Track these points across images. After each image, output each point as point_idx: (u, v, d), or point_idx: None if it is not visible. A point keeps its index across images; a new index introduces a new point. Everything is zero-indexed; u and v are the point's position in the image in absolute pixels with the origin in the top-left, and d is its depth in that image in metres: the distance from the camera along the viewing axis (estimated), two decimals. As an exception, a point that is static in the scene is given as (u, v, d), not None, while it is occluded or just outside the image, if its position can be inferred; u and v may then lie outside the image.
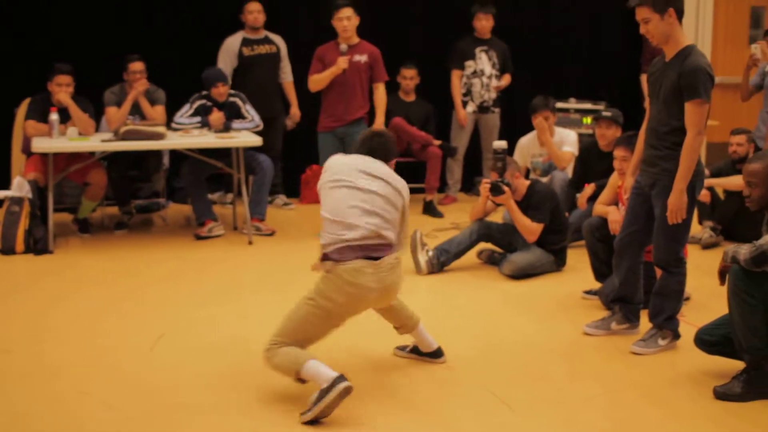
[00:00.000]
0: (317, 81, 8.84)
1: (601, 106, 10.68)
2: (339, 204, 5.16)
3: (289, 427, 4.73)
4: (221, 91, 9.30)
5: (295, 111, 10.55)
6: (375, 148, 5.33)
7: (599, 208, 7.08)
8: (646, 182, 5.83)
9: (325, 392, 4.69)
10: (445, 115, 10.91)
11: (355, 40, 8.86)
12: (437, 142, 10.49)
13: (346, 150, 8.85)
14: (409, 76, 10.67)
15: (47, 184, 8.49)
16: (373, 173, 5.21)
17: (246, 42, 10.16)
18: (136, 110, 9.32)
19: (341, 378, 4.74)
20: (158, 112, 9.43)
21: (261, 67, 10.22)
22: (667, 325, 5.91)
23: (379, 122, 9.01)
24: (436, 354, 5.70)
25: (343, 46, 8.71)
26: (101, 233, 9.23)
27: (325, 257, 5.19)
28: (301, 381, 4.90)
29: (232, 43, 10.20)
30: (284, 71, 10.42)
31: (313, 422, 4.71)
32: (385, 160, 5.33)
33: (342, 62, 8.65)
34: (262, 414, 4.85)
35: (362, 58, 8.82)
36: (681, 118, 5.58)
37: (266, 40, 10.27)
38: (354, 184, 5.15)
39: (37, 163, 8.71)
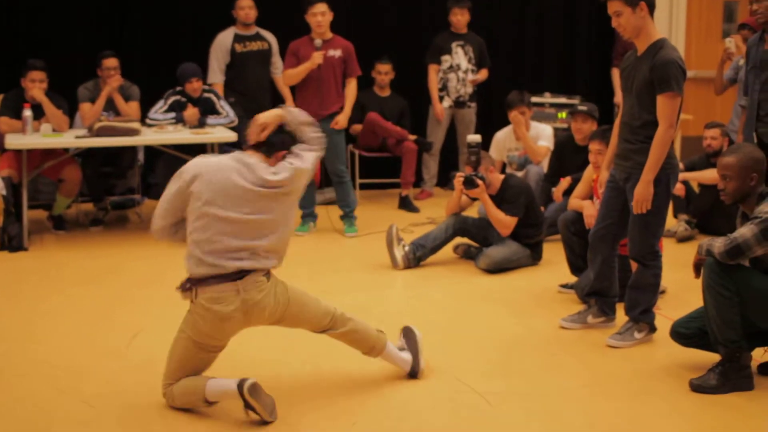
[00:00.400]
0: (292, 76, 8.81)
1: (575, 101, 10.71)
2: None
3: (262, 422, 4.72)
4: (195, 87, 9.29)
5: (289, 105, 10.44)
6: None
7: (574, 202, 7.10)
8: (620, 176, 5.85)
9: (245, 404, 4.62)
10: (420, 110, 10.90)
11: (329, 35, 8.84)
12: (412, 137, 10.49)
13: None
14: (384, 71, 10.67)
15: (21, 180, 8.46)
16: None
17: (238, 38, 10.09)
18: (111, 106, 9.28)
19: (242, 381, 4.59)
20: (132, 108, 9.39)
21: (253, 63, 10.17)
22: (643, 318, 5.93)
23: (346, 113, 8.95)
24: (410, 374, 5.34)
25: (318, 41, 8.69)
26: (76, 230, 9.19)
27: (187, 283, 4.80)
28: (211, 404, 4.78)
29: (224, 40, 10.12)
30: (275, 66, 10.33)
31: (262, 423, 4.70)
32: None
33: (317, 57, 8.63)
34: (240, 414, 4.84)
35: (336, 53, 8.81)
36: (653, 112, 5.61)
37: (258, 37, 10.20)
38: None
39: (11, 160, 8.66)
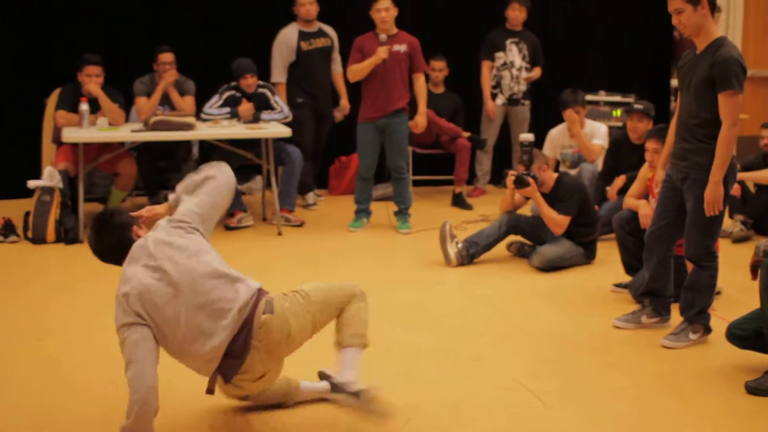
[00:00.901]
0: (356, 71, 8.80)
1: (631, 99, 10.63)
2: None
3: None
4: (250, 82, 9.32)
5: (344, 103, 10.45)
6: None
7: (630, 201, 7.05)
8: (677, 176, 5.80)
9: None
10: (474, 107, 10.88)
11: (394, 30, 8.81)
12: (466, 134, 10.48)
13: (385, 141, 8.85)
14: (438, 68, 10.66)
15: (78, 174, 8.53)
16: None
17: (303, 36, 10.04)
18: (166, 101, 9.35)
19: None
20: (187, 102, 9.45)
21: (318, 61, 10.16)
22: (698, 320, 5.88)
23: (422, 112, 9.01)
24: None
25: (383, 36, 8.66)
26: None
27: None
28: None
29: (290, 37, 10.06)
30: (335, 63, 10.36)
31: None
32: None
33: (382, 52, 8.61)
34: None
35: (401, 48, 8.78)
36: (712, 111, 5.55)
37: (321, 33, 10.16)
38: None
39: (68, 153, 8.74)
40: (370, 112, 8.86)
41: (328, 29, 10.25)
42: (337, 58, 10.29)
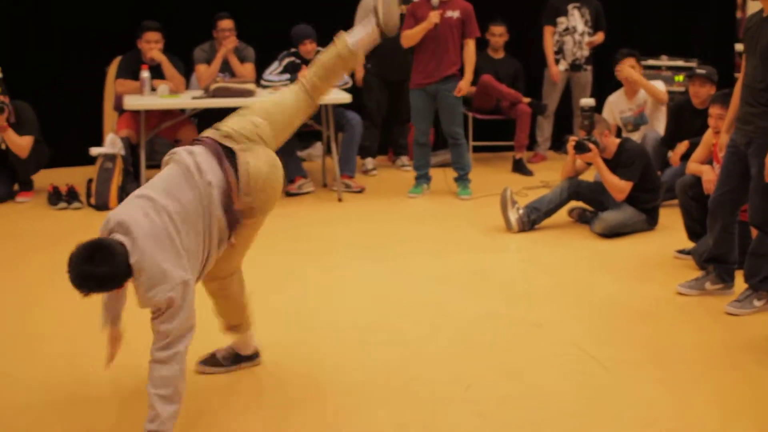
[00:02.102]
0: (409, 36, 8.76)
1: (693, 63, 10.51)
2: None
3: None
4: (308, 49, 9.30)
5: None
6: None
7: (693, 166, 6.98)
8: (741, 140, 5.73)
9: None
10: (535, 73, 10.81)
11: None
12: (526, 100, 10.41)
13: (438, 107, 8.83)
14: (498, 33, 10.59)
15: (139, 141, 8.59)
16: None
17: None
18: (226, 68, 9.38)
19: None
20: (248, 69, 9.47)
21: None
22: (762, 287, 5.81)
23: (468, 78, 8.92)
24: (253, 357, 4.98)
25: (435, 1, 8.62)
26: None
27: None
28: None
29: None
30: None
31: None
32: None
33: (434, 17, 8.57)
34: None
35: (454, 14, 8.73)
36: None
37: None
38: None
39: (129, 121, 8.80)
40: (422, 78, 8.83)
41: None
42: None
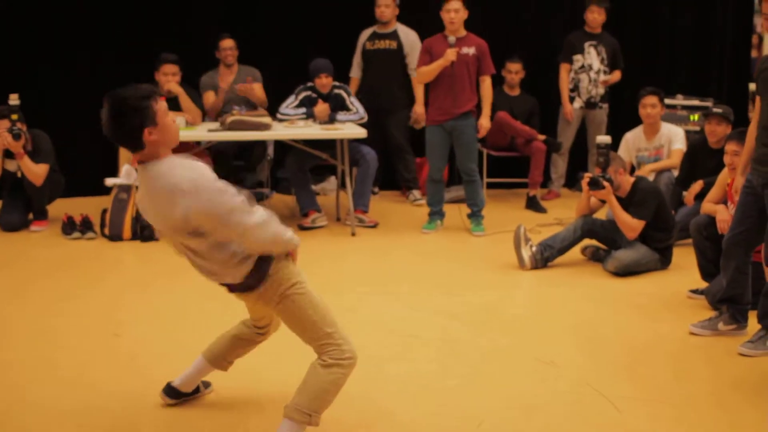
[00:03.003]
0: (425, 73, 8.79)
1: (708, 103, 10.53)
2: None
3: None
4: (324, 83, 9.34)
5: (415, 108, 10.46)
6: None
7: (707, 206, 6.97)
8: (757, 182, 5.72)
9: None
10: (551, 110, 10.85)
11: (463, 32, 8.79)
12: (541, 137, 10.43)
13: (453, 144, 8.85)
14: (515, 71, 10.64)
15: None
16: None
17: (372, 36, 10.37)
18: (242, 101, 9.42)
19: None
20: (260, 89, 9.64)
21: (379, 62, 10.30)
22: None
23: (486, 114, 8.96)
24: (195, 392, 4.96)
25: (451, 38, 8.65)
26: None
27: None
28: None
29: (363, 37, 10.45)
30: (411, 66, 10.34)
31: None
32: None
33: (450, 54, 8.59)
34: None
35: (470, 50, 8.76)
36: None
37: (391, 35, 10.30)
38: None
39: (145, 152, 8.83)
40: (438, 115, 8.85)
41: (403, 32, 10.29)
42: (412, 62, 10.28)
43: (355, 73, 10.53)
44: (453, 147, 8.96)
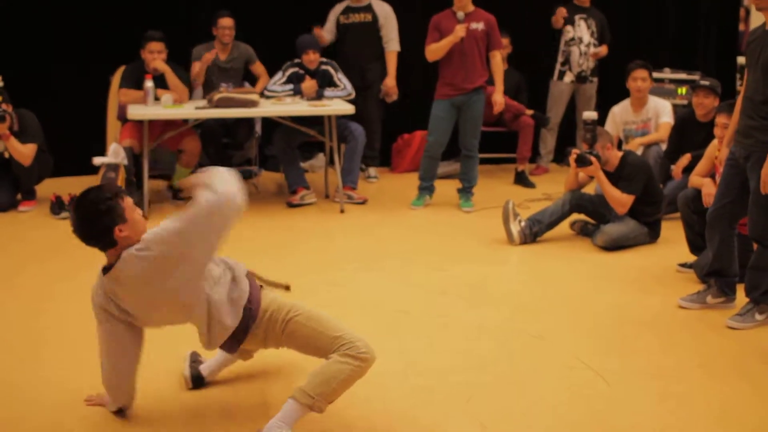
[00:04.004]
0: (435, 50, 8.74)
1: (696, 76, 10.51)
2: None
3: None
4: (312, 59, 9.31)
5: (386, 82, 10.38)
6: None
7: (695, 179, 6.98)
8: (740, 154, 5.73)
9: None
10: (540, 85, 10.81)
11: (471, 8, 8.73)
12: (529, 112, 10.41)
13: (459, 119, 8.81)
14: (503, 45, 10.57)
15: (142, 150, 8.60)
16: None
17: (346, 10, 10.20)
18: (230, 77, 9.38)
19: None
20: (260, 68, 9.64)
21: (353, 36, 10.19)
22: (764, 300, 5.81)
23: (499, 89, 8.97)
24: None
25: (460, 14, 8.60)
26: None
27: None
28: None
29: (335, 11, 10.29)
30: (386, 39, 10.33)
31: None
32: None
33: (460, 30, 8.54)
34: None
35: (479, 26, 8.71)
36: None
37: (365, 9, 10.20)
38: None
39: (132, 131, 8.80)
40: (449, 90, 8.80)
41: (378, 6, 10.23)
42: (388, 34, 10.26)
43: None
44: (458, 122, 8.92)
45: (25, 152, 8.60)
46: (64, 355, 5.29)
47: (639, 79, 9.05)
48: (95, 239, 4.15)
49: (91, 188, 4.13)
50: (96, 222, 4.09)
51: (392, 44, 10.29)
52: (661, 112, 9.09)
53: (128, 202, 4.17)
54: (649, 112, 9.11)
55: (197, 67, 9.43)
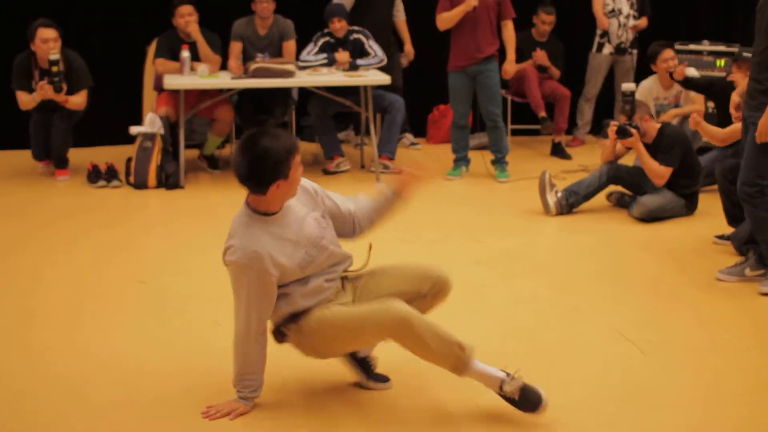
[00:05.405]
0: (447, 19, 8.70)
1: (735, 48, 10.40)
2: None
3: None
4: (338, 27, 9.22)
5: (409, 48, 10.40)
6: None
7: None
8: (746, 114, 5.82)
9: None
10: (579, 58, 10.71)
11: None
12: (542, 114, 10.21)
13: (477, 89, 8.80)
14: (549, 21, 10.38)
15: (178, 120, 8.62)
16: None
17: None
18: (266, 47, 9.31)
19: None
20: (290, 47, 9.38)
21: (375, 6, 10.08)
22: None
23: (511, 59, 8.95)
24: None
25: (473, -17, 8.58)
26: (230, 170, 9.32)
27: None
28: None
29: None
30: (398, 9, 10.31)
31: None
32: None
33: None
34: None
35: None
36: None
37: None
38: None
39: (169, 98, 8.82)
40: (461, 60, 8.79)
41: None
42: (399, 4, 10.25)
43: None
44: (476, 93, 8.91)
45: (79, 102, 8.62)
46: (101, 318, 5.33)
47: (669, 59, 8.97)
48: (253, 183, 4.07)
49: (267, 133, 4.07)
50: (264, 169, 4.02)
51: (403, 13, 10.33)
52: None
53: (296, 160, 4.11)
54: (678, 86, 9.03)
55: (238, 49, 9.28)
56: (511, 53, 8.94)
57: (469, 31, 8.65)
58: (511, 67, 8.95)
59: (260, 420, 4.23)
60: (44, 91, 8.37)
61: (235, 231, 4.16)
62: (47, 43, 8.47)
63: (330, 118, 9.35)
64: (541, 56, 10.16)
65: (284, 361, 4.52)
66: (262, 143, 4.02)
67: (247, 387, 4.24)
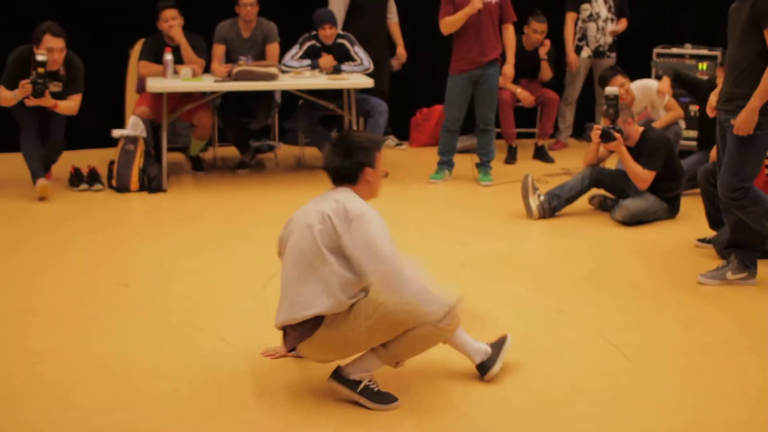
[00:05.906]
0: (450, 23, 8.68)
1: (717, 52, 10.44)
2: None
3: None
4: (328, 33, 9.23)
5: (401, 51, 10.46)
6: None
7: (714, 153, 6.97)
8: (724, 118, 5.83)
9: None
10: (559, 60, 10.73)
11: None
12: (513, 143, 10.19)
13: (475, 92, 8.80)
14: (540, 30, 10.30)
15: (161, 123, 8.60)
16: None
17: None
18: (249, 50, 9.30)
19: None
20: (273, 50, 9.35)
21: (371, 10, 10.12)
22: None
23: (510, 62, 9.01)
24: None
25: (476, -14, 8.59)
26: (213, 172, 9.32)
27: None
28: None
29: None
30: (390, 11, 10.36)
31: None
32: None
33: (477, 2, 8.48)
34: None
35: None
36: (755, 53, 5.62)
37: None
38: None
39: (148, 99, 8.79)
40: (464, 64, 8.78)
41: None
42: (392, 6, 10.31)
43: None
44: (473, 96, 8.91)
45: (71, 107, 8.42)
46: (84, 321, 5.32)
47: (619, 86, 8.76)
48: (345, 170, 4.45)
49: (354, 130, 4.58)
50: (354, 155, 4.41)
51: (395, 16, 10.38)
52: (655, 102, 8.94)
53: (381, 154, 4.53)
54: (642, 102, 8.97)
55: (221, 52, 9.26)
56: (511, 57, 8.99)
57: (474, 35, 8.65)
58: (510, 70, 9.01)
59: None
60: (24, 90, 8.06)
61: (353, 202, 4.44)
62: (52, 53, 8.13)
63: (317, 125, 9.34)
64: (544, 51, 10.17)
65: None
66: (351, 136, 4.61)
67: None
